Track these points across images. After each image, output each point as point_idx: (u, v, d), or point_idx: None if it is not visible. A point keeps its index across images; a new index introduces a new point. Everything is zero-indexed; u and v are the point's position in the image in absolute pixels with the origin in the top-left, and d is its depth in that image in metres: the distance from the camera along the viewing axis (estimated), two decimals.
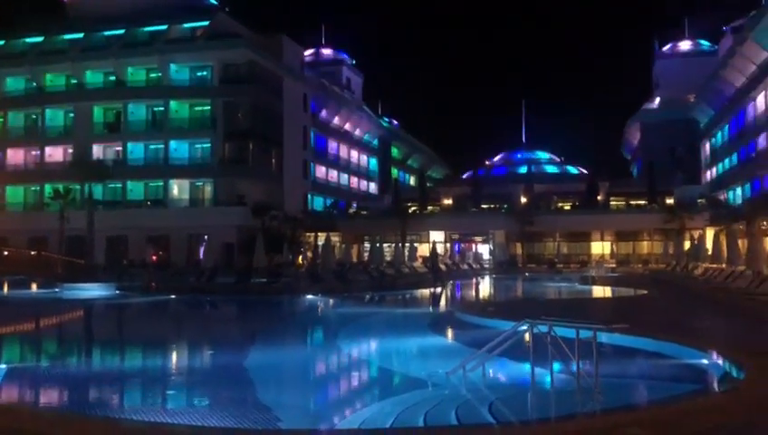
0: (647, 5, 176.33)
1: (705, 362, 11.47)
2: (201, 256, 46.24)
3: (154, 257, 51.70)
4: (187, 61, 58.36)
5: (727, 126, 67.32)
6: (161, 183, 57.01)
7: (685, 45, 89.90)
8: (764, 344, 12.95)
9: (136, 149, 58.15)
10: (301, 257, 51.83)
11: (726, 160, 67.75)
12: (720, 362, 11.17)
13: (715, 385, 10.37)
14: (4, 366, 12.25)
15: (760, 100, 55.83)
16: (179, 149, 57.47)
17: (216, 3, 63.90)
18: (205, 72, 58.68)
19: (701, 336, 14.15)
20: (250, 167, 57.03)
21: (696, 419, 7.55)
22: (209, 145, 56.90)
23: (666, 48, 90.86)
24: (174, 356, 15.98)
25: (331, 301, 28.29)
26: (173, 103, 57.62)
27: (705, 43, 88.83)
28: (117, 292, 32.70)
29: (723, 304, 20.99)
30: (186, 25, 59.49)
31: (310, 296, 29.43)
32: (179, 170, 56.96)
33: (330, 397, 11.46)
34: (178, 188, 58.29)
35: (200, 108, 58.28)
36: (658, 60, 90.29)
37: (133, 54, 58.45)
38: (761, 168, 54.57)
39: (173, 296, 30.18)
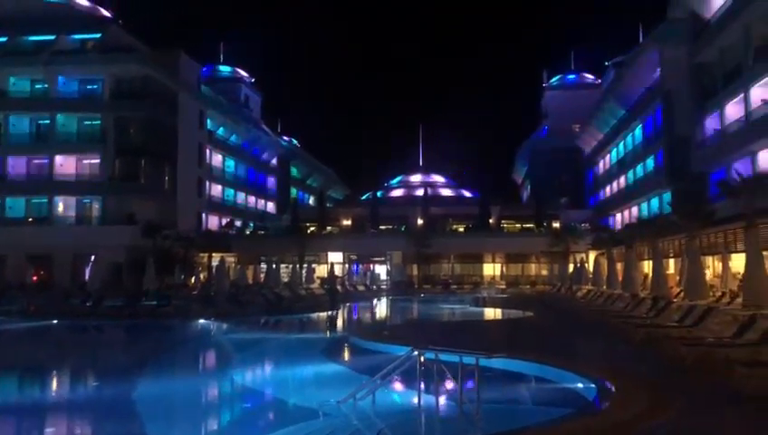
0: (537, 40, 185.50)
1: (581, 385, 12.17)
2: (87, 277, 44.09)
3: (35, 278, 48.94)
4: (76, 73, 55.96)
5: (609, 155, 71.70)
6: (45, 200, 54.09)
7: (571, 78, 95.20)
8: (634, 367, 13.90)
9: (17, 164, 54.95)
10: (194, 279, 50.51)
11: (608, 188, 72.03)
12: (594, 385, 11.89)
13: (589, 407, 11.04)
14: None
15: (638, 132, 59.91)
16: (66, 164, 54.81)
17: (109, 15, 61.72)
18: (95, 86, 56.42)
19: (579, 359, 15.00)
20: (142, 184, 55.17)
21: None
22: (99, 161, 54.61)
23: (553, 80, 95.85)
24: (54, 388, 15.20)
25: (225, 325, 27.71)
26: (60, 117, 55.03)
27: (589, 76, 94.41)
28: None
29: (601, 327, 22.27)
30: (76, 36, 57.12)
31: (202, 320, 28.70)
32: (65, 187, 54.30)
33: (219, 429, 11.31)
34: (64, 206, 55.51)
35: (90, 122, 55.93)
36: (546, 91, 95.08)
37: (16, 63, 55.43)
38: (637, 196, 58.45)
39: (55, 321, 28.63)
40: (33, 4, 57.51)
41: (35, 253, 50.12)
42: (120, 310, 30.50)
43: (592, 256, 51.48)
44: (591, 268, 43.31)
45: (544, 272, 60.71)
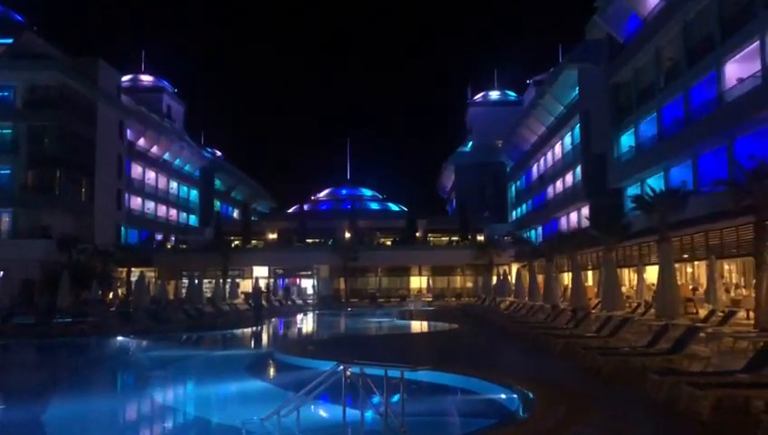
0: (463, 56, 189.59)
1: (503, 395, 12.35)
2: None
3: None
4: None
5: (530, 170, 73.78)
6: None
7: (494, 95, 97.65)
8: (554, 377, 14.22)
9: None
10: (112, 295, 48.71)
11: (529, 202, 74.04)
12: (516, 395, 12.09)
13: (511, 417, 11.21)
14: None
15: (557, 148, 61.90)
16: None
17: (22, 21, 59.15)
18: (7, 93, 53.88)
19: (501, 371, 15.24)
20: (57, 196, 52.92)
21: None
22: (9, 171, 52.07)
23: (477, 97, 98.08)
24: None
25: (144, 342, 26.77)
26: None
27: (511, 94, 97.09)
28: None
29: (523, 338, 22.73)
30: None
31: (120, 338, 27.65)
32: None
33: None
34: None
35: (0, 131, 53.28)
36: (471, 107, 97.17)
37: None
38: (557, 210, 60.32)
39: None
40: None
41: None
42: (31, 328, 29.01)
43: (515, 268, 52.69)
44: (514, 280, 44.26)
45: (469, 284, 61.70)
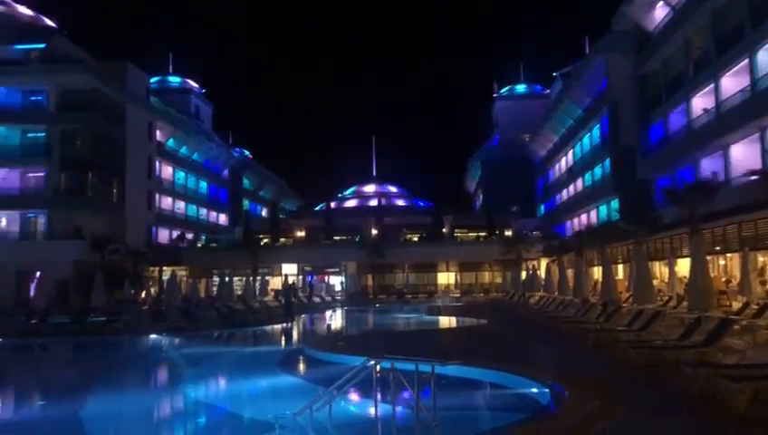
0: (488, 51, 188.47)
1: (534, 390, 12.33)
2: (32, 294, 42.68)
3: None
4: (19, 84, 54.44)
5: (558, 164, 73.15)
6: None
7: (520, 88, 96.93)
8: (586, 371, 14.15)
9: None
10: (144, 294, 49.45)
11: (557, 196, 73.43)
12: (547, 389, 12.06)
13: (543, 412, 11.19)
14: None
15: (585, 140, 61.30)
16: (8, 177, 53.20)
17: (54, 25, 60.27)
18: (40, 97, 54.97)
19: (532, 365, 15.21)
20: (89, 198, 53.84)
21: None
22: (44, 174, 53.15)
23: (503, 90, 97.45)
24: (1, 408, 14.67)
25: (177, 340, 27.19)
26: (2, 128, 53.44)
27: (538, 87, 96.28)
28: None
29: (553, 333, 22.62)
30: (18, 47, 55.51)
31: (153, 336, 28.11)
32: (8, 201, 52.65)
33: None
34: (7, 220, 53.81)
35: (34, 134, 54.41)
36: (497, 101, 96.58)
37: None
38: (586, 203, 59.75)
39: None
40: None
41: None
42: (66, 327, 29.62)
43: (544, 263, 52.37)
44: (543, 275, 44.01)
45: (498, 280, 61.45)
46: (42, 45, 55.44)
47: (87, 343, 26.92)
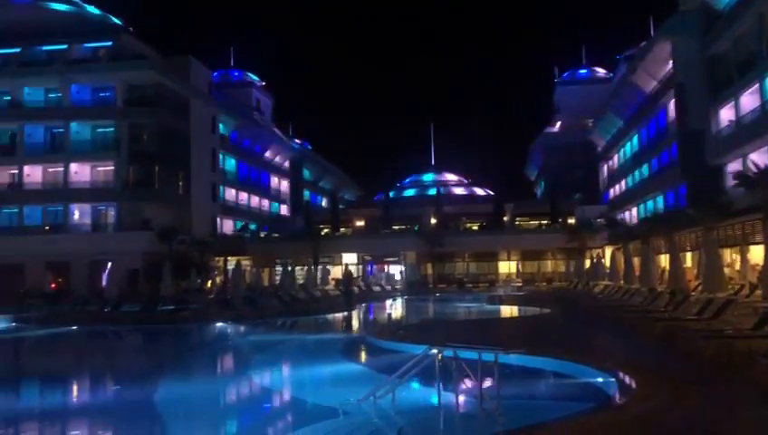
0: (548, 35, 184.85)
1: (600, 380, 12.11)
2: (104, 283, 44.45)
3: (53, 285, 49.39)
4: (89, 81, 56.43)
5: (623, 150, 71.26)
6: (61, 207, 54.62)
7: (582, 72, 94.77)
8: (654, 361, 13.82)
9: (33, 172, 55.53)
10: (210, 283, 50.75)
11: (623, 182, 71.61)
12: (614, 379, 11.83)
13: (609, 402, 11.00)
14: None
15: (651, 125, 59.49)
16: (81, 172, 55.33)
17: (120, 23, 62.23)
18: (108, 93, 56.90)
19: (598, 355, 14.95)
20: (156, 190, 55.53)
21: None
22: (113, 168, 55.10)
23: (565, 75, 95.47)
24: (79, 392, 15.36)
25: (242, 328, 27.88)
26: (74, 125, 55.51)
27: (600, 71, 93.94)
28: (13, 324, 30.97)
29: (619, 322, 22.15)
30: (87, 45, 57.57)
31: (219, 324, 28.89)
32: (81, 194, 54.83)
33: (241, 429, 11.39)
34: (80, 213, 56.02)
35: (103, 130, 56.42)
36: (558, 86, 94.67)
37: (30, 74, 55.84)
38: (652, 190, 58.07)
39: (74, 327, 28.91)
40: (45, 15, 58.14)
41: (53, 260, 50.60)
42: (137, 315, 30.75)
43: (608, 251, 51.24)
44: (608, 264, 43.07)
45: (561, 268, 60.44)
46: (109, 43, 57.30)
47: (157, 330, 27.90)
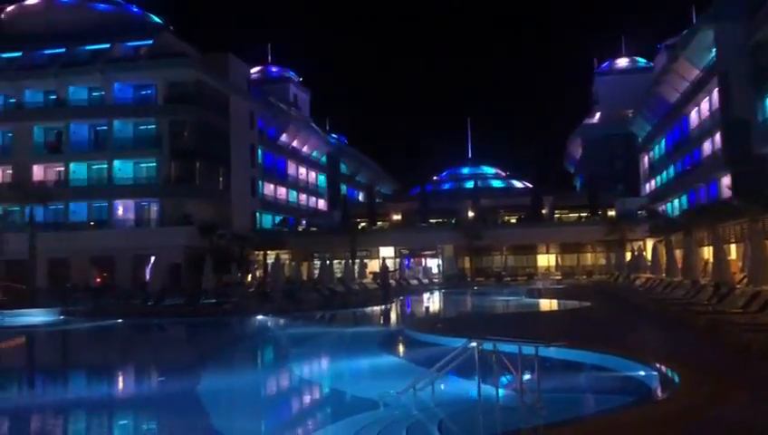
0: (586, 24, 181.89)
1: (642, 373, 11.98)
2: (147, 277, 45.39)
3: (98, 279, 50.60)
4: (131, 79, 57.60)
5: (664, 140, 69.89)
6: (105, 203, 55.93)
7: (622, 62, 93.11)
8: (697, 355, 13.61)
9: (78, 169, 56.95)
10: (250, 277, 51.40)
11: (664, 173, 70.25)
12: (656, 373, 11.70)
13: (652, 396, 10.89)
14: None
15: (693, 115, 58.23)
16: (124, 168, 56.55)
17: (160, 22, 63.29)
18: (149, 91, 58.00)
19: (640, 348, 14.76)
20: (197, 186, 56.45)
21: (633, 430, 7.98)
22: (155, 164, 56.14)
23: (604, 65, 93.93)
24: (124, 383, 15.79)
25: (282, 321, 28.24)
26: (117, 122, 56.70)
27: (641, 60, 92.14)
28: (61, 317, 31.89)
29: (661, 315, 21.83)
30: (129, 44, 58.75)
31: (260, 317, 29.31)
32: (124, 190, 56.05)
33: (283, 419, 11.58)
34: (123, 209, 57.28)
35: (145, 127, 57.51)
36: (597, 77, 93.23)
37: (74, 73, 57.22)
38: (696, 180, 56.87)
39: (119, 320, 29.63)
40: (88, 15, 59.54)
41: (98, 255, 51.86)
42: (180, 308, 31.37)
43: (650, 243, 50.35)
44: (649, 256, 42.34)
45: (601, 261, 59.58)
46: (150, 42, 58.35)
47: (199, 323, 28.45)
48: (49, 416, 11.80)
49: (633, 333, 19.38)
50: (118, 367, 18.20)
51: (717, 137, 50.49)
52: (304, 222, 74.33)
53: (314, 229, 69.42)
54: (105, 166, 56.09)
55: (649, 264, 41.04)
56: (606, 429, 8.21)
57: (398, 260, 63.58)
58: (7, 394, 14.33)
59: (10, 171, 57.26)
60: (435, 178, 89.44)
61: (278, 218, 71.64)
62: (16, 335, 27.18)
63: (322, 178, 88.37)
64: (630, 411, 9.41)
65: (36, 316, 32.32)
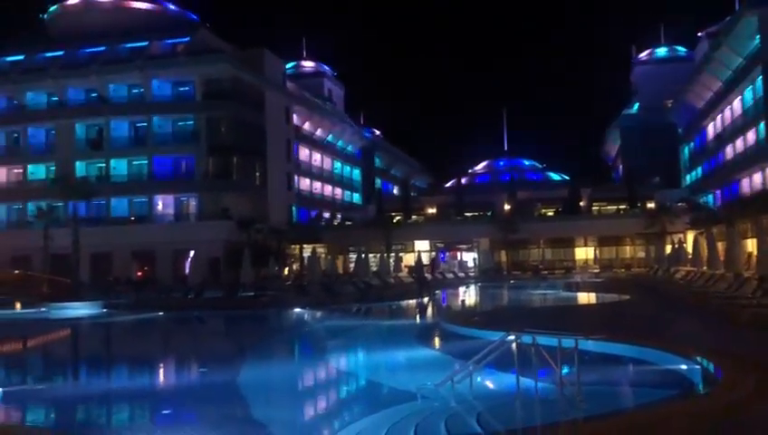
0: (624, 12, 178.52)
1: (684, 367, 11.80)
2: (187, 271, 46.16)
3: (139, 273, 51.57)
4: (169, 76, 58.52)
5: (705, 130, 68.42)
6: (146, 199, 57.02)
7: (661, 51, 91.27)
8: (740, 348, 13.35)
9: (119, 166, 58.15)
10: (287, 270, 51.90)
11: (705, 164, 68.79)
12: (698, 366, 11.53)
13: (693, 389, 10.73)
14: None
15: (736, 104, 56.89)
16: (163, 164, 57.51)
17: (197, 19, 64.12)
18: (187, 88, 58.86)
19: (681, 342, 14.54)
20: (234, 181, 57.15)
21: (674, 423, 7.89)
22: (193, 160, 56.98)
23: (642, 55, 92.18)
24: (166, 374, 16.12)
25: (319, 314, 28.49)
26: (156, 119, 57.70)
27: (681, 49, 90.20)
28: (104, 310, 32.67)
29: (703, 309, 21.44)
30: (167, 41, 59.67)
31: (297, 309, 29.61)
32: (164, 185, 57.06)
33: (321, 411, 11.71)
34: (163, 204, 58.29)
35: (183, 123, 58.41)
36: (636, 66, 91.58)
37: (115, 71, 58.38)
38: (738, 171, 55.57)
39: (161, 313, 30.23)
40: (127, 13, 60.74)
41: (139, 249, 52.84)
42: (219, 301, 31.88)
43: (691, 236, 49.40)
44: (690, 249, 41.56)
45: (640, 254, 58.71)
46: (187, 39, 59.17)
47: (238, 315, 28.90)
48: (98, 403, 12.13)
49: (674, 326, 19.09)
50: (161, 358, 18.61)
51: (762, 126, 49.26)
52: (339, 216, 74.66)
53: (349, 223, 69.70)
54: (145, 162, 57.17)
55: (690, 256, 40.28)
56: (648, 422, 8.13)
57: (433, 254, 63.47)
58: (61, 382, 14.79)
59: (53, 168, 58.74)
60: (470, 170, 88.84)
61: (314, 213, 72.13)
62: (64, 327, 27.91)
63: (357, 173, 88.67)
64: (672, 405, 9.30)
65: (80, 309, 33.18)
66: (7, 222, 60.12)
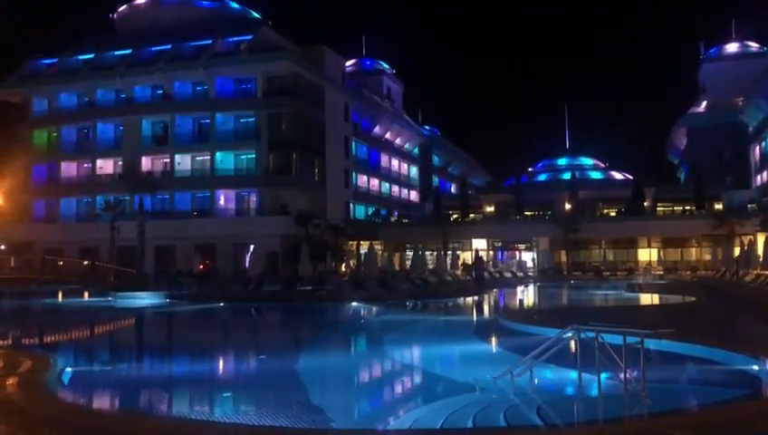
0: (692, 8, 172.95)
1: (754, 368, 11.36)
2: (247, 264, 47.03)
3: (201, 266, 52.86)
4: (231, 74, 59.67)
5: None
6: (208, 193, 58.32)
7: (732, 48, 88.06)
8: None
9: (183, 161, 59.68)
10: (344, 266, 52.29)
11: None
12: None
13: (765, 391, 10.30)
14: (70, 369, 12.82)
15: None
16: (225, 160, 58.77)
17: (259, 17, 65.21)
18: (249, 85, 59.90)
19: (751, 343, 13.97)
20: (293, 177, 57.89)
21: (742, 423, 7.57)
22: (254, 156, 58.01)
23: (712, 51, 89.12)
24: (227, 360, 16.43)
25: (375, 308, 28.59)
26: (218, 115, 58.96)
27: (753, 45, 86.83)
28: (167, 300, 33.58)
29: None
30: (230, 39, 60.82)
31: (354, 304, 29.81)
32: (225, 181, 58.30)
33: (380, 399, 11.72)
34: (224, 199, 59.52)
35: (245, 120, 59.53)
36: (705, 63, 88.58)
37: (180, 68, 59.97)
38: None
39: (222, 304, 30.89)
40: (192, 12, 62.28)
41: (201, 243, 54.14)
42: (278, 294, 32.39)
43: (761, 238, 47.53)
44: (761, 251, 39.92)
45: (706, 257, 56.81)
46: (249, 36, 60.19)
47: (297, 308, 29.31)
48: (160, 386, 12.46)
49: (740, 328, 18.39)
50: (222, 345, 18.99)
51: None
52: (396, 213, 74.78)
53: (406, 221, 69.74)
54: (208, 157, 58.48)
55: (761, 259, 38.72)
56: (716, 421, 7.83)
57: (491, 252, 62.89)
58: (131, 366, 15.29)
59: (121, 162, 60.73)
60: (530, 169, 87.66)
61: (371, 209, 72.44)
62: (129, 316, 28.82)
63: (415, 170, 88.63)
64: (742, 405, 8.94)
65: (145, 299, 34.24)
66: (77, 215, 62.41)
